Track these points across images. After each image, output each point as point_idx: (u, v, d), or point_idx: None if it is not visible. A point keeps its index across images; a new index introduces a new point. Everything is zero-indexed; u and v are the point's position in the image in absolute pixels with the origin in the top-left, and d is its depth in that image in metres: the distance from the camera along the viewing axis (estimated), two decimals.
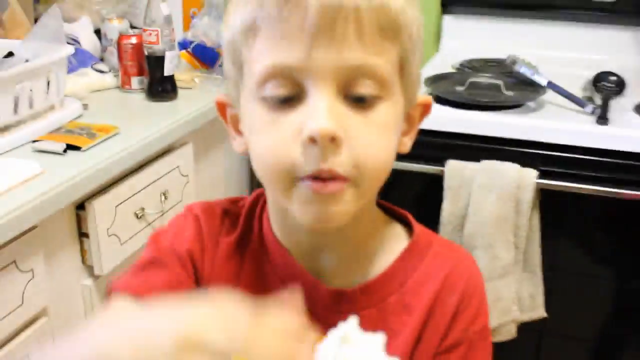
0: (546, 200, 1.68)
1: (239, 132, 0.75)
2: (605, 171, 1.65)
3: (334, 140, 0.63)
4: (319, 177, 0.64)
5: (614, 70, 1.93)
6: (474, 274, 0.82)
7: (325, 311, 0.56)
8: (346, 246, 0.76)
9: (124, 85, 1.75)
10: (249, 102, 0.69)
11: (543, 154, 1.68)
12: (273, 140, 0.66)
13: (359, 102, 0.66)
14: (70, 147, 1.38)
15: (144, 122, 1.56)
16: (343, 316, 0.59)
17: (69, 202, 1.30)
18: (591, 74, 1.92)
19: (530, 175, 1.65)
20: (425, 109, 0.77)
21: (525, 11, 2.21)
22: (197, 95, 1.76)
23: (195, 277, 0.78)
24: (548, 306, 1.75)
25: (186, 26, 1.94)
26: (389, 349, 0.57)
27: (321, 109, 0.63)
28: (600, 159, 1.65)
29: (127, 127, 1.51)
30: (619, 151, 1.64)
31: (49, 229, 1.29)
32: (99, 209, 1.37)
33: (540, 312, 1.75)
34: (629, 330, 1.80)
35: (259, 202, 0.81)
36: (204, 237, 0.79)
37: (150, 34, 1.65)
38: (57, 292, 1.33)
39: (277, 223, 0.78)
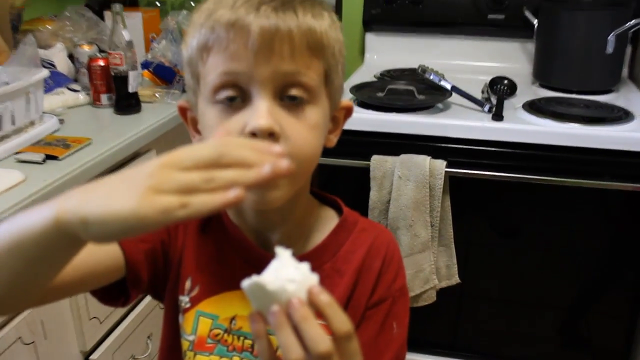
0: (454, 185, 1.70)
1: (197, 131, 0.77)
2: (501, 159, 1.68)
3: (271, 135, 0.67)
4: None
5: (506, 75, 1.97)
6: (392, 244, 0.86)
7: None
8: (287, 225, 0.80)
9: (95, 101, 1.72)
10: (205, 106, 0.72)
11: (450, 147, 1.70)
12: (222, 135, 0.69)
13: (292, 105, 0.70)
14: (48, 156, 1.36)
15: (113, 133, 1.54)
16: None
17: None
18: (488, 78, 1.95)
19: (440, 165, 1.67)
20: (348, 111, 0.81)
21: (432, 28, 2.24)
22: (158, 107, 1.74)
23: (166, 250, 0.82)
24: (463, 274, 1.78)
25: (147, 49, 1.92)
26: None
27: (262, 110, 0.67)
28: (497, 149, 1.68)
29: (99, 137, 1.49)
30: (511, 142, 1.67)
31: None
32: None
33: (455, 279, 1.79)
34: (531, 289, 1.84)
35: None
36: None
37: (115, 57, 1.63)
38: None
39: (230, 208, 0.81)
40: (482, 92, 1.90)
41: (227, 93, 0.69)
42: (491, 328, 1.90)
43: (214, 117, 0.71)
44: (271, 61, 0.67)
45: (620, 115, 1.72)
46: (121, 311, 1.57)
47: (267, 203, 0.71)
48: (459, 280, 1.78)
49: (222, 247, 0.81)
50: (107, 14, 1.91)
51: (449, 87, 1.83)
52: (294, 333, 0.55)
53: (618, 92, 1.97)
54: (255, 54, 0.67)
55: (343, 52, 0.76)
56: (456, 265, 1.77)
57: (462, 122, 1.70)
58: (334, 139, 0.79)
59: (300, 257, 0.77)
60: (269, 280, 0.56)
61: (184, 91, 1.84)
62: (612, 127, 1.66)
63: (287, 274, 0.56)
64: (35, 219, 0.56)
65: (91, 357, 1.46)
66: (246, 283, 0.57)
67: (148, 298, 1.67)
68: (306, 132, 0.70)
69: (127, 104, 1.68)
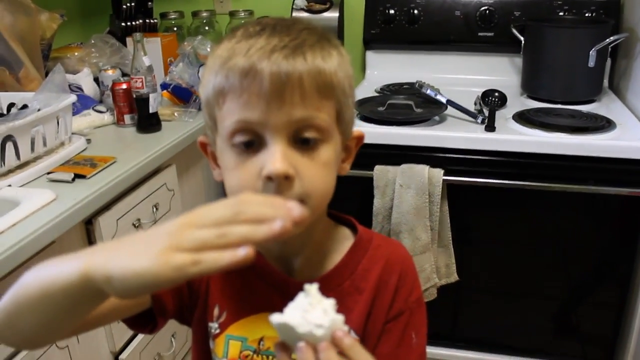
0: (451, 191, 1.68)
1: (217, 165, 0.75)
2: (494, 167, 1.66)
3: (287, 178, 0.65)
4: None
5: (497, 88, 1.95)
6: (407, 258, 0.84)
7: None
8: (307, 249, 0.77)
9: (119, 121, 1.71)
10: (223, 147, 0.70)
11: (447, 156, 1.68)
12: (240, 178, 0.67)
13: (306, 146, 0.67)
14: (77, 175, 1.34)
15: (136, 151, 1.52)
16: None
17: (79, 220, 1.26)
18: (479, 90, 1.93)
19: (438, 174, 1.65)
20: (359, 140, 0.78)
21: (428, 45, 2.21)
22: (177, 125, 1.72)
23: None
24: (460, 271, 1.76)
25: (166, 71, 1.91)
26: (347, 322, 0.59)
27: (277, 154, 0.65)
28: (490, 158, 1.66)
29: (123, 155, 1.47)
30: (503, 151, 1.64)
31: (64, 242, 1.25)
32: (103, 223, 1.34)
33: (454, 277, 1.76)
34: (523, 284, 1.82)
35: None
36: None
37: (137, 81, 1.61)
38: None
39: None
40: (475, 103, 1.88)
41: (242, 138, 0.67)
42: (487, 320, 1.88)
43: (231, 159, 0.69)
44: (283, 109, 0.65)
45: (603, 125, 1.69)
46: None
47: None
48: (457, 278, 1.76)
49: (246, 274, 0.78)
50: (129, 40, 1.90)
51: (444, 100, 1.81)
52: None
53: (600, 101, 1.95)
54: (268, 102, 0.64)
55: (353, 87, 0.74)
56: (455, 265, 1.75)
57: (457, 134, 1.67)
58: (346, 167, 0.77)
59: (320, 278, 0.76)
60: (298, 323, 0.55)
61: (199, 109, 1.82)
62: (595, 135, 1.63)
63: (315, 319, 0.56)
64: (63, 270, 0.56)
65: (120, 356, 1.45)
66: (275, 320, 0.56)
67: None
68: (320, 170, 0.68)
69: (148, 123, 1.66)
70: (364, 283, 0.78)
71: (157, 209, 1.54)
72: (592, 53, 1.85)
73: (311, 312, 0.56)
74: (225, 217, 0.52)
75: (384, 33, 2.19)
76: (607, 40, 1.84)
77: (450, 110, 1.80)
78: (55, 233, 1.19)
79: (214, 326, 0.79)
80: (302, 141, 0.67)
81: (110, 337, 1.42)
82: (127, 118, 1.69)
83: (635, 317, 1.72)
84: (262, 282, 0.78)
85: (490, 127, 1.68)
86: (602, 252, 1.74)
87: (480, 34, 2.12)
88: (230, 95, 0.66)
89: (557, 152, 1.61)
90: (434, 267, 1.73)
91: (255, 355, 0.78)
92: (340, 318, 0.57)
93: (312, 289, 0.58)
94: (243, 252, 0.50)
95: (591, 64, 1.86)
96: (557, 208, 1.70)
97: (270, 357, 0.78)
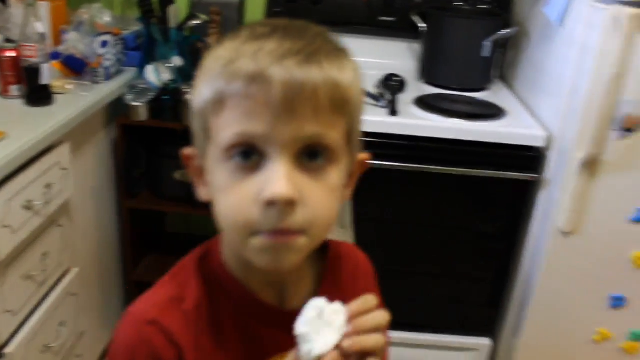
0: None
1: (204, 182, 0.66)
2: (396, 150, 1.71)
3: (290, 203, 0.58)
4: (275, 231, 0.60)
5: (397, 72, 2.00)
6: (366, 260, 0.85)
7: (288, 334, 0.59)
8: (295, 272, 0.71)
9: (4, 92, 1.56)
10: (215, 163, 0.62)
11: None
12: (234, 200, 0.60)
13: (312, 167, 0.60)
14: None
15: (27, 126, 1.41)
16: None
17: None
18: (378, 73, 1.97)
19: None
20: (363, 166, 0.72)
21: (330, 26, 2.15)
22: (70, 99, 1.61)
23: None
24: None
25: (55, 40, 1.77)
26: None
27: (280, 175, 0.57)
28: (392, 141, 1.71)
29: (13, 131, 1.36)
30: (406, 135, 1.71)
31: None
32: None
33: None
34: (418, 261, 1.91)
35: (203, 263, 0.72)
36: (175, 338, 0.67)
37: (28, 50, 1.48)
38: None
39: (236, 263, 0.70)
40: (377, 87, 1.92)
41: (241, 156, 0.60)
42: (385, 297, 1.94)
43: (224, 178, 0.61)
44: (293, 122, 0.57)
45: (495, 112, 1.80)
46: (34, 301, 1.47)
47: (281, 265, 0.62)
48: None
49: (240, 323, 0.70)
50: (13, 2, 1.73)
51: None
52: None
53: (490, 90, 2.06)
54: (276, 114, 0.57)
55: (363, 102, 0.68)
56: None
57: (364, 117, 1.69)
58: (348, 194, 0.69)
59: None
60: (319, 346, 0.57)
61: (95, 82, 1.71)
62: (488, 122, 1.73)
63: (329, 338, 0.57)
64: None
65: (5, 350, 1.35)
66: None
67: (60, 287, 1.56)
68: (326, 196, 0.61)
69: (38, 96, 1.54)
70: (350, 293, 0.72)
71: (49, 189, 1.44)
72: (486, 44, 1.94)
73: (325, 328, 0.57)
74: None
75: (287, 11, 2.17)
76: (501, 32, 1.95)
77: None
78: None
79: None
80: (309, 162, 0.60)
81: None
82: (13, 89, 1.55)
83: (513, 291, 1.88)
84: (258, 323, 0.70)
85: (394, 112, 1.72)
86: (488, 230, 1.85)
87: (381, 18, 2.16)
88: (232, 102, 0.58)
89: (456, 137, 1.69)
90: None
91: None
92: (344, 310, 0.59)
93: (317, 303, 0.59)
94: None
95: (485, 54, 1.95)
96: (454, 189, 1.80)
97: None
